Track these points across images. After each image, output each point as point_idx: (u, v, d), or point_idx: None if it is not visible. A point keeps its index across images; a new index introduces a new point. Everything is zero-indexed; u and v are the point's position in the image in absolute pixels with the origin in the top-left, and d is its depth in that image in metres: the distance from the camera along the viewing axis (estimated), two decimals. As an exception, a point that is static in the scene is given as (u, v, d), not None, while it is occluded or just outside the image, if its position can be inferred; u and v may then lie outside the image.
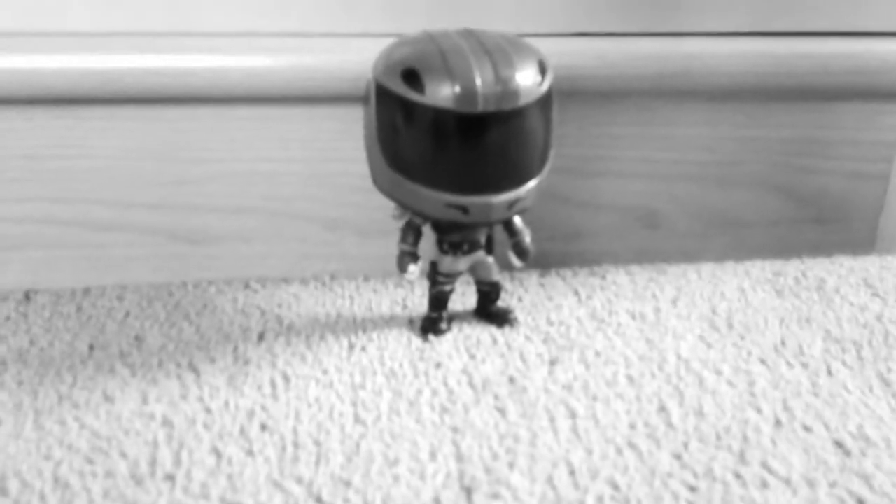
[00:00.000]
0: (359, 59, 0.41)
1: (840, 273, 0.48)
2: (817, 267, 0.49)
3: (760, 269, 0.49)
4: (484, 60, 0.35)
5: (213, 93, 0.42)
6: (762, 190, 0.49)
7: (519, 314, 0.43)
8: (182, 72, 0.42)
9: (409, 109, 0.36)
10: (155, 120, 0.43)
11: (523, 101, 0.35)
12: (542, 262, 0.48)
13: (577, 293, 0.45)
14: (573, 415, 0.35)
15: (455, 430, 0.34)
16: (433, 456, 0.33)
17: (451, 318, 0.42)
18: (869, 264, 0.49)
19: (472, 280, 0.42)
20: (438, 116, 0.35)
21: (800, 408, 0.36)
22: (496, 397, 0.36)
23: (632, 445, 0.33)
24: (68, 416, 0.35)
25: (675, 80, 0.45)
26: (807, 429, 0.34)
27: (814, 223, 0.50)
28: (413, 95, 0.35)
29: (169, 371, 0.38)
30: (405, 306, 0.44)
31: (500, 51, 0.36)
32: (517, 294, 0.45)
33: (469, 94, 0.34)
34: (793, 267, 0.49)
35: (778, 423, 0.35)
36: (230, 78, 0.42)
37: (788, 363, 0.39)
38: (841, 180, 0.49)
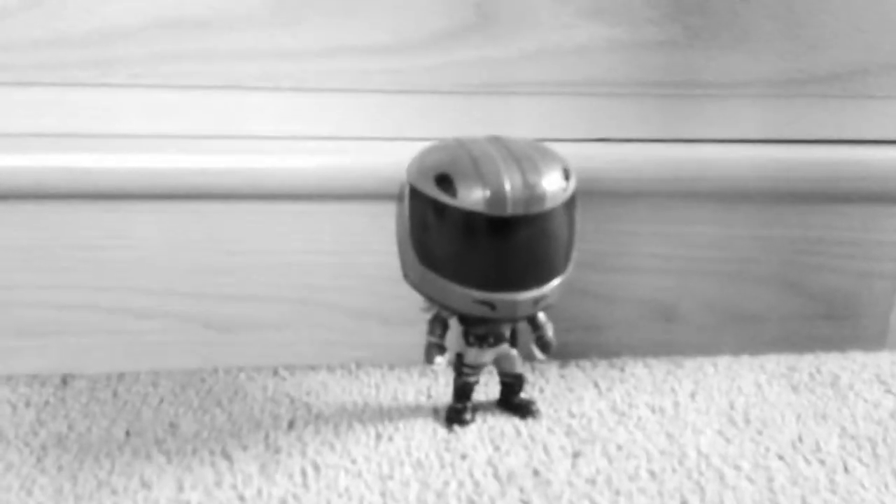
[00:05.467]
0: (390, 160, 0.44)
1: (853, 369, 0.49)
2: (830, 362, 0.50)
3: (775, 363, 0.50)
4: (512, 166, 0.37)
5: (253, 191, 0.45)
6: (774, 286, 0.51)
7: (541, 405, 0.44)
8: (224, 171, 0.44)
9: (442, 211, 0.38)
10: (197, 214, 0.46)
11: (549, 204, 0.37)
12: (562, 353, 0.49)
13: (597, 385, 0.47)
14: (597, 509, 0.36)
15: (483, 522, 0.35)
16: (462, 549, 0.33)
17: (476, 409, 0.43)
18: (881, 360, 0.50)
19: (495, 371, 0.44)
20: (469, 218, 0.37)
21: (819, 505, 0.37)
22: (521, 490, 0.37)
23: (656, 541, 0.34)
24: (107, 502, 0.36)
25: (691, 183, 0.47)
26: (827, 527, 0.35)
27: (825, 319, 0.52)
28: (445, 199, 0.37)
29: (203, 458, 0.39)
30: (430, 395, 0.45)
31: (528, 157, 0.38)
32: (538, 385, 0.47)
33: (499, 198, 0.37)
34: (807, 362, 0.50)
35: (798, 520, 0.35)
36: (270, 177, 0.45)
37: (806, 459, 0.40)
38: (850, 278, 0.51)
